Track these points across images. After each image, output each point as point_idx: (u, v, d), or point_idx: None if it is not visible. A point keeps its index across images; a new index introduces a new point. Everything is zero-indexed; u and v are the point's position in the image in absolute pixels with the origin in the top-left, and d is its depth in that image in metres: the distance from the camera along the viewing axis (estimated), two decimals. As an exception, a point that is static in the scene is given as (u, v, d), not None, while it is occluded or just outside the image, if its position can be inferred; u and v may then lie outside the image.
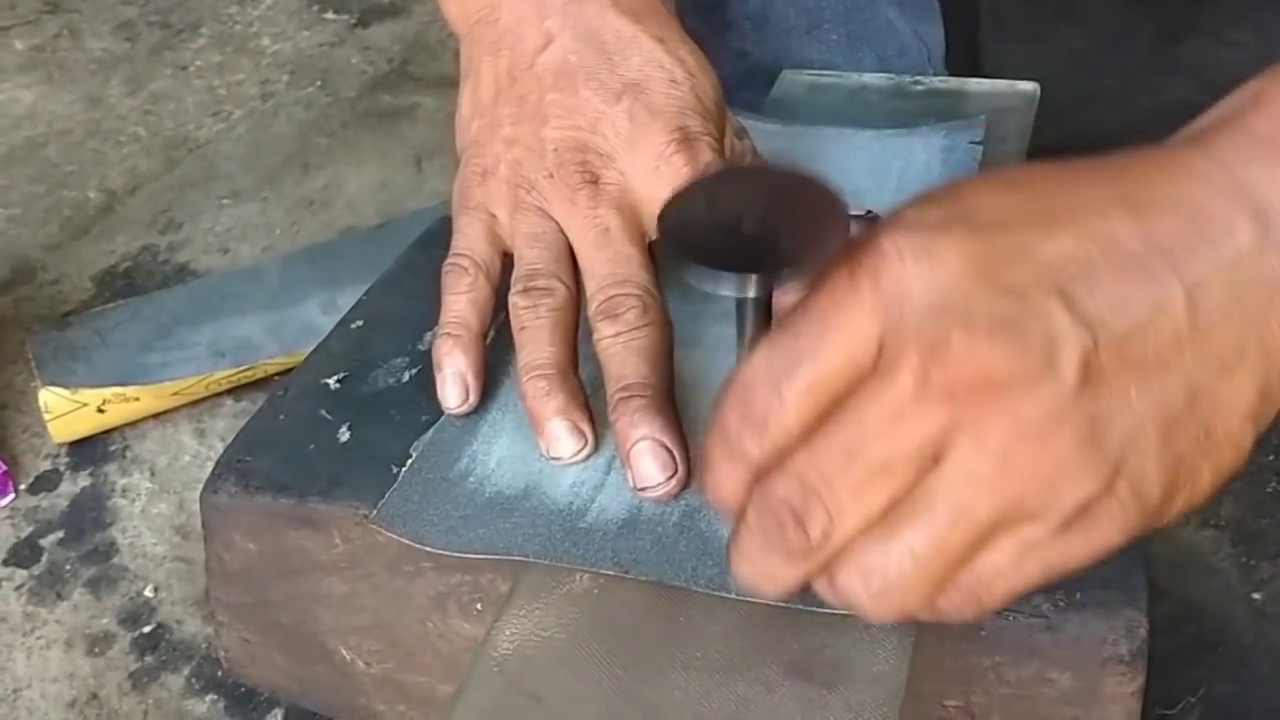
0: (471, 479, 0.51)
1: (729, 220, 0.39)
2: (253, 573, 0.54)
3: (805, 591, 0.39)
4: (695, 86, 0.55)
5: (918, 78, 0.74)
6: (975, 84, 0.73)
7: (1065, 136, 0.76)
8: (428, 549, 0.49)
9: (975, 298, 0.34)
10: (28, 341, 0.86)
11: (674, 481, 0.49)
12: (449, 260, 0.56)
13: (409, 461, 0.52)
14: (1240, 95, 0.38)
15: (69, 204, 1.06)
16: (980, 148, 0.67)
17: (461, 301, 0.54)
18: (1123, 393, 0.34)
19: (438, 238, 0.68)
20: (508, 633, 0.46)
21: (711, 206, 0.40)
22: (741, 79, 0.77)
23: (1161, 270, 0.35)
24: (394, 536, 0.49)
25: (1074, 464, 0.34)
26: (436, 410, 0.54)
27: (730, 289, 0.38)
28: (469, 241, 0.55)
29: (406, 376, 0.58)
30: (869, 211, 0.56)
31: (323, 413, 0.56)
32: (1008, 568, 0.36)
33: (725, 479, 0.38)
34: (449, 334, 0.54)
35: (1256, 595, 0.69)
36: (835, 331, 0.35)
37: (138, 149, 1.13)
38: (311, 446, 0.54)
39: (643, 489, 0.49)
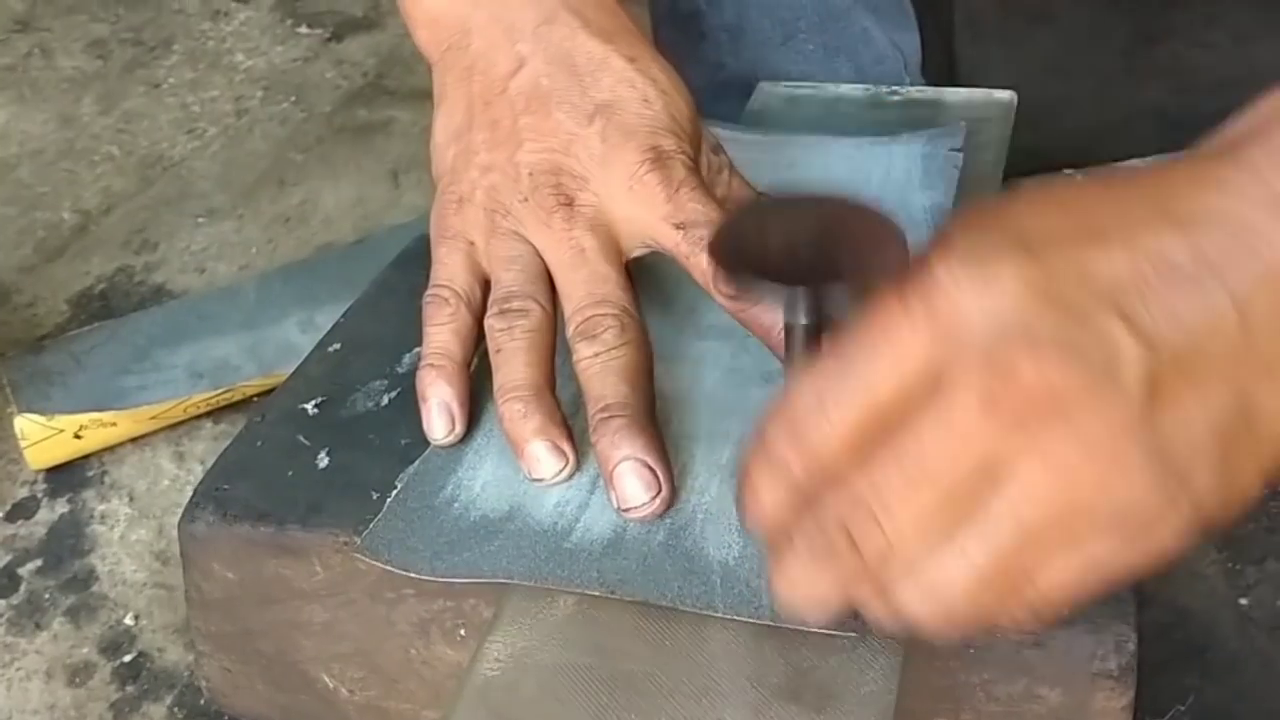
0: (456, 505, 0.50)
1: (781, 243, 0.40)
2: (233, 601, 0.54)
3: (849, 615, 0.39)
4: (668, 105, 0.55)
5: (894, 88, 0.74)
6: (952, 93, 0.73)
7: (1042, 140, 0.76)
8: (412, 575, 0.48)
9: (1036, 319, 0.35)
10: (2, 367, 0.85)
11: (658, 501, 0.48)
12: (429, 291, 0.55)
13: (394, 491, 0.51)
14: (1261, 108, 0.39)
15: (43, 225, 1.06)
16: (960, 154, 0.67)
17: (444, 332, 0.54)
18: (1183, 406, 0.35)
19: (415, 258, 0.68)
20: (492, 658, 0.46)
21: (763, 230, 0.41)
22: (718, 91, 0.77)
23: (1211, 284, 0.35)
24: (379, 565, 0.49)
25: (1140, 480, 0.35)
26: (416, 434, 0.54)
27: (779, 303, 0.39)
28: (448, 271, 0.55)
29: (385, 400, 0.57)
30: None
31: (301, 438, 0.55)
32: (1070, 578, 0.36)
33: (766, 498, 0.38)
34: (432, 365, 0.54)
35: (1243, 600, 0.69)
36: (886, 354, 0.36)
37: (111, 168, 1.12)
38: (290, 473, 0.54)
39: (626, 510, 0.49)
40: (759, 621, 0.44)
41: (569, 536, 0.48)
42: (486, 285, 0.55)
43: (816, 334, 0.42)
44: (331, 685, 0.54)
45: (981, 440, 0.35)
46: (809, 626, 0.43)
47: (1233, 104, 0.40)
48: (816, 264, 0.40)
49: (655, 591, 0.46)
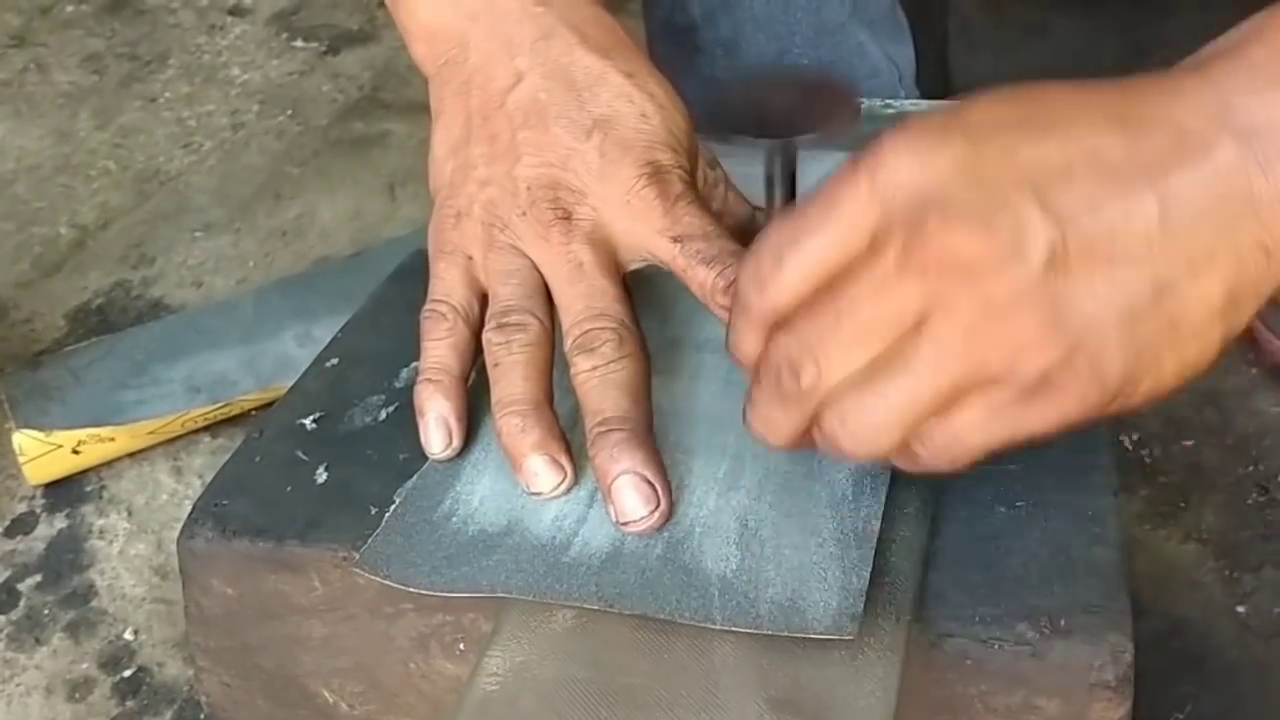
0: (455, 519, 0.51)
1: (758, 106, 0.49)
2: (232, 617, 0.54)
3: (801, 440, 0.44)
4: (665, 120, 0.55)
5: (888, 101, 0.74)
6: (946, 106, 0.73)
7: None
8: (411, 590, 0.48)
9: (954, 190, 0.39)
10: (0, 383, 0.85)
11: (656, 515, 0.49)
12: (427, 306, 0.56)
13: (393, 506, 0.51)
14: (1242, 28, 0.41)
15: (40, 241, 1.06)
16: None
17: (441, 347, 0.54)
18: (1086, 281, 0.39)
19: (412, 272, 0.68)
20: (491, 672, 0.46)
21: (742, 96, 0.51)
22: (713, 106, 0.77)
23: (1138, 180, 0.39)
24: (377, 580, 0.49)
25: (1034, 337, 0.39)
26: (414, 448, 0.54)
27: (755, 154, 0.48)
28: (446, 286, 0.55)
29: (383, 415, 0.57)
30: None
31: (299, 454, 0.55)
32: (976, 423, 0.41)
33: (740, 336, 0.45)
34: (429, 379, 0.54)
35: (1240, 609, 0.69)
36: (834, 218, 0.41)
37: (108, 183, 1.13)
38: (289, 488, 0.54)
39: (625, 524, 0.49)
40: (757, 632, 0.45)
41: (567, 550, 0.49)
42: (484, 300, 0.55)
43: (791, 188, 0.51)
44: (331, 700, 0.54)
45: (898, 295, 0.40)
46: (800, 634, 0.44)
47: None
48: (786, 125, 0.49)
49: (653, 605, 0.46)
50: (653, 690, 0.44)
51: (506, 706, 0.44)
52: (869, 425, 0.42)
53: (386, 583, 0.49)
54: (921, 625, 0.46)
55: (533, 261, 0.54)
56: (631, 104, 0.55)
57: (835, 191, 0.41)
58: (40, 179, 1.13)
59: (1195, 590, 0.70)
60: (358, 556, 0.49)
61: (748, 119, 0.50)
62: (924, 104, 0.74)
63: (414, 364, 0.59)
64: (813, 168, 0.50)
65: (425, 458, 0.54)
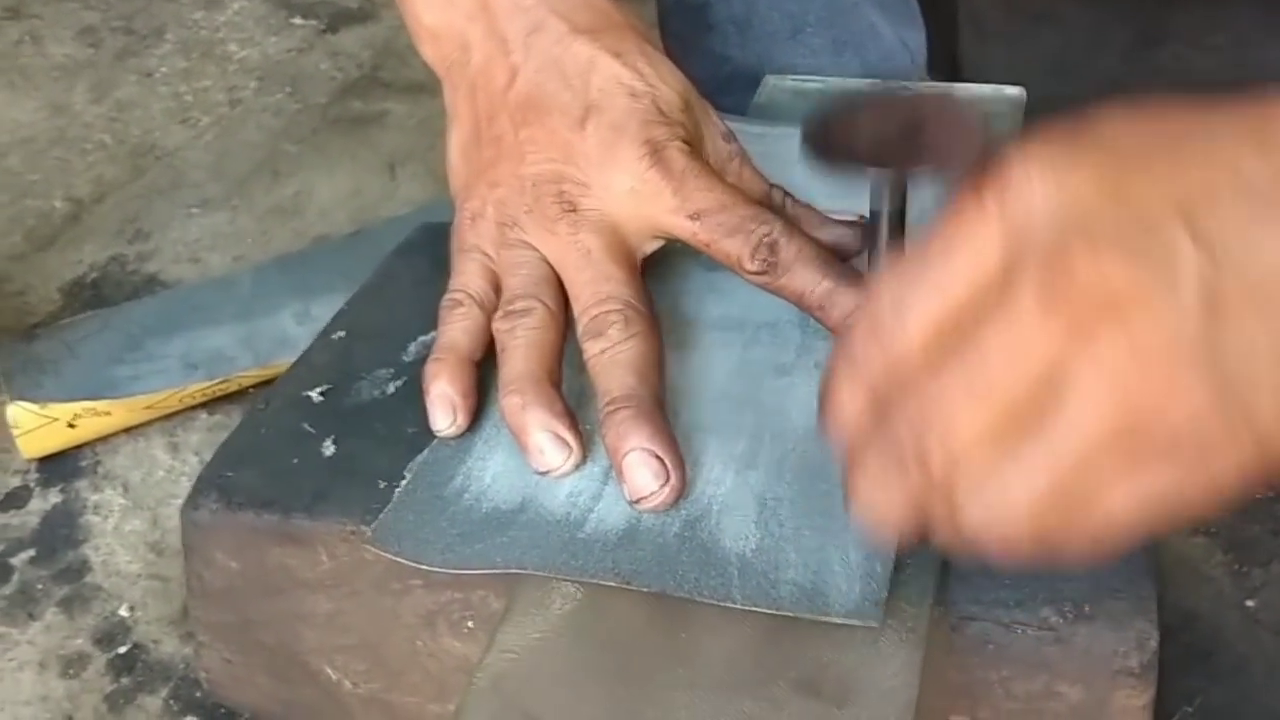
0: (467, 496, 0.50)
1: (869, 134, 0.43)
2: (235, 591, 0.53)
3: (924, 532, 0.38)
4: (656, 96, 0.55)
5: (904, 83, 0.73)
6: (961, 89, 0.72)
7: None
8: (424, 567, 0.47)
9: (1099, 219, 0.34)
10: (-6, 355, 0.84)
11: (668, 489, 0.48)
12: (445, 297, 0.56)
13: (403, 482, 0.50)
14: None
15: (34, 214, 1.04)
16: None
17: (454, 329, 0.55)
18: (1245, 329, 0.34)
19: (417, 246, 0.67)
20: (504, 650, 0.45)
21: (852, 122, 0.44)
22: (724, 84, 0.76)
23: None
24: (389, 557, 0.48)
25: (1196, 398, 0.34)
26: (422, 423, 0.53)
27: (865, 187, 0.42)
28: (463, 279, 0.56)
29: (391, 389, 0.56)
30: (862, 217, 0.55)
31: (306, 426, 0.54)
32: (1129, 506, 0.36)
33: (846, 402, 0.38)
34: (437, 358, 0.54)
35: (1250, 602, 0.68)
36: (960, 254, 0.36)
37: (104, 157, 1.11)
38: (295, 461, 0.53)
39: (637, 500, 0.48)
40: (777, 613, 0.44)
41: (582, 527, 0.48)
42: (500, 292, 0.56)
43: (900, 224, 0.43)
44: (335, 678, 0.53)
45: (1042, 345, 0.34)
46: (822, 618, 0.43)
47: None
48: (902, 153, 0.42)
49: (671, 583, 0.45)
50: (671, 669, 0.43)
51: (522, 683, 0.43)
52: (1009, 501, 0.36)
53: (398, 559, 0.48)
54: (943, 608, 0.45)
55: (542, 254, 0.55)
56: (620, 84, 0.55)
57: (958, 224, 0.36)
58: (35, 152, 1.12)
59: (1205, 584, 0.69)
60: (369, 533, 0.48)
61: (853, 144, 0.44)
62: (940, 86, 0.73)
63: (422, 338, 0.59)
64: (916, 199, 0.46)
65: (434, 434, 0.53)
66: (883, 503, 0.38)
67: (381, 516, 0.49)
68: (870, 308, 0.37)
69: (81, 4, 1.33)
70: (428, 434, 0.53)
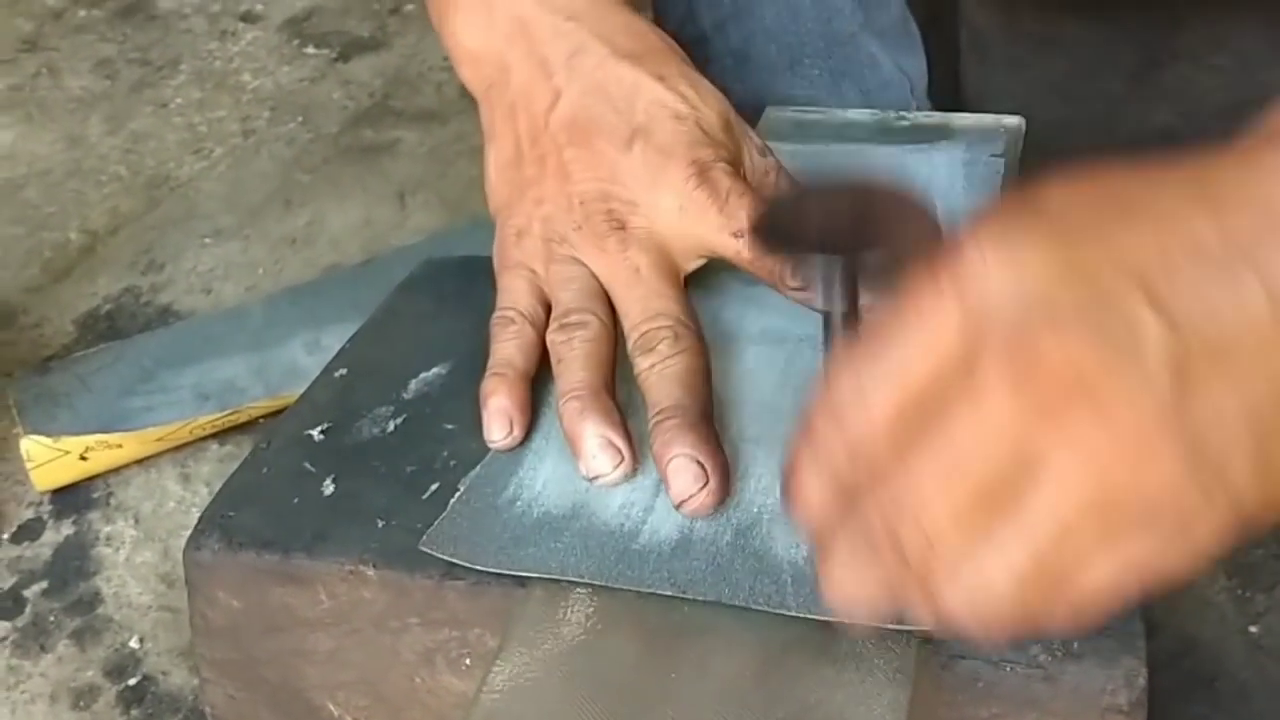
0: (519, 503, 0.51)
1: (818, 224, 0.44)
2: (238, 629, 0.54)
3: (901, 616, 0.38)
4: (699, 119, 0.57)
5: (902, 113, 0.74)
6: (960, 118, 0.73)
7: (1048, 165, 0.76)
8: (478, 568, 0.48)
9: (1060, 298, 0.34)
10: (9, 388, 0.85)
11: (705, 492, 0.49)
12: (495, 314, 0.57)
13: (457, 494, 0.52)
14: None
15: (50, 245, 1.06)
16: (1002, 160, 0.68)
17: (508, 346, 0.56)
18: (1213, 394, 0.34)
19: (422, 282, 0.68)
20: (494, 690, 0.45)
21: (801, 212, 0.46)
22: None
23: (1241, 268, 0.34)
24: (445, 559, 0.49)
25: (1172, 470, 0.34)
26: (422, 460, 0.54)
27: (816, 275, 0.42)
28: (513, 296, 0.57)
29: (391, 426, 0.57)
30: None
31: (307, 465, 0.55)
32: (1110, 579, 0.35)
33: (812, 494, 0.38)
34: (494, 373, 0.55)
35: (1253, 628, 0.68)
36: (918, 337, 0.35)
37: (119, 188, 1.13)
38: (296, 500, 0.54)
39: (680, 504, 0.49)
40: (830, 619, 0.44)
41: (637, 538, 0.49)
42: (549, 308, 0.57)
43: (854, 310, 0.43)
44: (336, 713, 0.54)
45: (1013, 428, 0.34)
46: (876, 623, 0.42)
47: (1239, 127, 0.40)
48: (852, 239, 0.42)
49: (727, 591, 0.46)
50: (659, 708, 0.44)
51: (512, 723, 0.44)
52: (988, 583, 0.35)
53: (453, 561, 0.49)
54: (932, 647, 0.45)
55: (590, 270, 0.56)
56: (665, 108, 0.57)
57: (915, 306, 0.35)
58: (51, 184, 1.13)
59: (1207, 610, 0.70)
60: (424, 539, 0.50)
61: (803, 232, 0.45)
62: (938, 115, 0.74)
63: (423, 375, 0.59)
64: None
65: (433, 469, 0.54)
66: (857, 588, 0.37)
67: (436, 523, 0.50)
68: (830, 394, 0.37)
69: (98, 36, 1.35)
70: (427, 472, 0.54)
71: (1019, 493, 0.34)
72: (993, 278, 0.34)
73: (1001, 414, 0.34)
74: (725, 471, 0.50)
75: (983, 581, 0.35)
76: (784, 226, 0.45)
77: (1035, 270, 0.34)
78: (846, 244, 0.42)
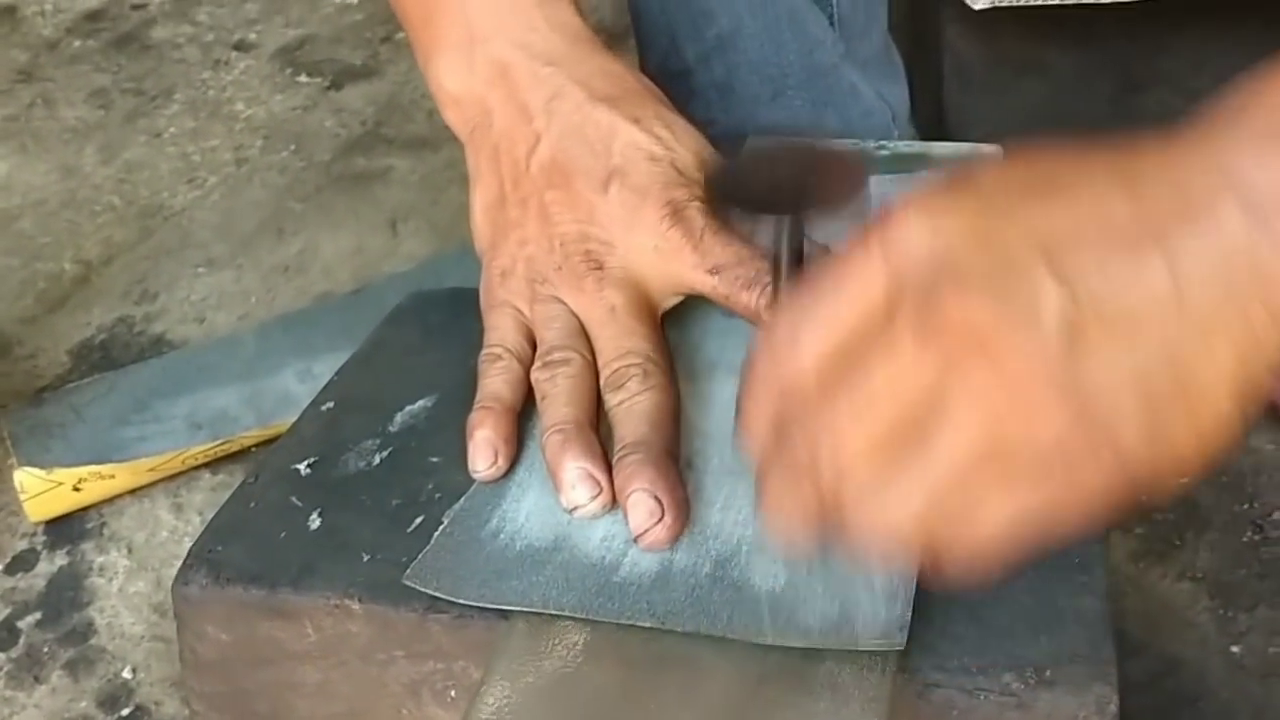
0: (502, 536, 0.52)
1: (764, 184, 0.50)
2: (226, 662, 0.54)
3: (825, 541, 0.41)
4: (674, 159, 0.58)
5: (882, 142, 0.74)
6: (940, 147, 0.74)
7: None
8: (460, 602, 0.49)
9: (966, 257, 0.38)
10: (3, 419, 0.86)
11: (660, 527, 0.50)
12: (483, 351, 0.59)
13: (441, 526, 0.53)
14: (1241, 89, 0.40)
15: (44, 276, 1.07)
16: None
17: (495, 381, 0.57)
18: (1103, 355, 0.37)
19: (408, 314, 0.69)
20: (482, 719, 0.46)
21: (749, 169, 0.51)
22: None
23: (1147, 244, 0.37)
24: (428, 592, 0.49)
25: (1058, 419, 0.37)
26: (407, 494, 0.55)
27: (767, 231, 0.48)
28: (499, 334, 0.59)
29: (377, 459, 0.58)
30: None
31: (293, 499, 0.56)
32: (1003, 521, 0.39)
33: (753, 422, 0.42)
34: (482, 407, 0.56)
35: (1235, 648, 0.69)
36: (848, 291, 0.40)
37: (113, 218, 1.13)
38: (282, 535, 0.54)
39: (637, 538, 0.50)
40: (809, 646, 0.46)
41: (617, 570, 0.50)
42: (534, 344, 0.58)
43: (798, 263, 0.49)
44: (325, 744, 0.55)
45: (920, 377, 0.38)
46: (854, 646, 0.45)
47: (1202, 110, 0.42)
48: (794, 198, 0.48)
49: (705, 623, 0.47)
50: (640, 741, 0.44)
51: (494, 757, 0.44)
52: (890, 504, 0.39)
53: (436, 594, 0.49)
54: (908, 675, 0.46)
55: (571, 309, 0.58)
56: (639, 149, 0.58)
57: (849, 262, 0.40)
58: (45, 214, 1.14)
59: (1189, 629, 0.70)
60: (408, 572, 0.50)
61: (756, 192, 0.50)
62: (918, 145, 0.75)
63: (409, 408, 0.60)
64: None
65: (418, 503, 0.54)
66: (785, 512, 0.41)
67: (420, 557, 0.51)
68: (771, 337, 0.41)
69: (93, 66, 1.36)
70: (413, 505, 0.54)
71: (924, 436, 0.38)
72: (914, 241, 0.39)
73: (910, 363, 0.38)
74: (682, 507, 0.51)
75: (885, 513, 0.39)
76: (734, 186, 0.51)
77: (952, 238, 0.38)
78: (790, 201, 0.48)
